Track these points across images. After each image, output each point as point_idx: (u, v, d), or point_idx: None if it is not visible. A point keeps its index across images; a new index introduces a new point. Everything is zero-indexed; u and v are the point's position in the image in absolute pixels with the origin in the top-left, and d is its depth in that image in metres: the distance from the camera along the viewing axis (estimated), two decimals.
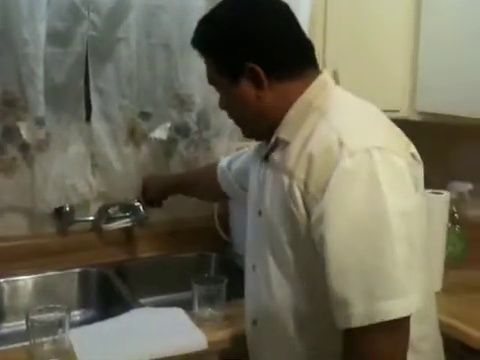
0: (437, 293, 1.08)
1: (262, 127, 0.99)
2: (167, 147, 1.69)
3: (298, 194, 0.88)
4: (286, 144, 0.95)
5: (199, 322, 1.21)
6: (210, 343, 1.15)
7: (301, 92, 0.95)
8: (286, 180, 0.92)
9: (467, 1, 1.33)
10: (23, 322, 1.09)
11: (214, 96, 1.72)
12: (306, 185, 0.87)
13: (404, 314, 0.81)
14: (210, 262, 1.73)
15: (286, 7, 0.98)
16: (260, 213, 1.01)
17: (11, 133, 1.49)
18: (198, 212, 1.73)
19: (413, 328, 0.84)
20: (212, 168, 1.44)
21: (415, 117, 1.45)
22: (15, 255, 1.50)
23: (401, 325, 0.82)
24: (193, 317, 1.23)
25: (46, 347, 1.07)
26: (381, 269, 0.80)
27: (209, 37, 0.98)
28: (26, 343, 1.07)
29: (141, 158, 1.67)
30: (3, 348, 1.13)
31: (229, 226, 1.74)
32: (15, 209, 1.55)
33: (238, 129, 1.73)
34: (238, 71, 0.94)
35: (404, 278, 0.81)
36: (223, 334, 1.18)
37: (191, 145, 1.70)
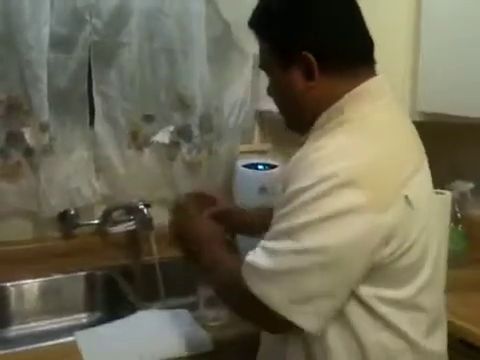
0: None
1: (303, 120, 0.93)
2: (170, 150, 1.70)
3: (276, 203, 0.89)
4: None
5: (204, 324, 1.22)
6: (215, 344, 1.16)
7: (348, 91, 0.88)
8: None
9: (467, 1, 1.34)
10: (30, 325, 1.11)
11: (216, 99, 1.76)
12: (279, 196, 0.87)
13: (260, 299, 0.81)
14: None
15: None
16: None
17: (15, 138, 1.50)
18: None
19: None
20: None
21: (416, 117, 1.45)
22: (21, 259, 1.50)
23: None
24: (198, 319, 1.24)
25: (53, 350, 1.08)
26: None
27: (265, 18, 0.92)
28: (33, 346, 1.09)
29: (144, 161, 1.68)
30: (11, 351, 1.13)
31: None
32: (20, 213, 1.56)
33: (240, 132, 1.78)
34: (290, 57, 0.89)
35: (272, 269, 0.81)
36: (228, 336, 1.19)
37: (194, 149, 1.71)
